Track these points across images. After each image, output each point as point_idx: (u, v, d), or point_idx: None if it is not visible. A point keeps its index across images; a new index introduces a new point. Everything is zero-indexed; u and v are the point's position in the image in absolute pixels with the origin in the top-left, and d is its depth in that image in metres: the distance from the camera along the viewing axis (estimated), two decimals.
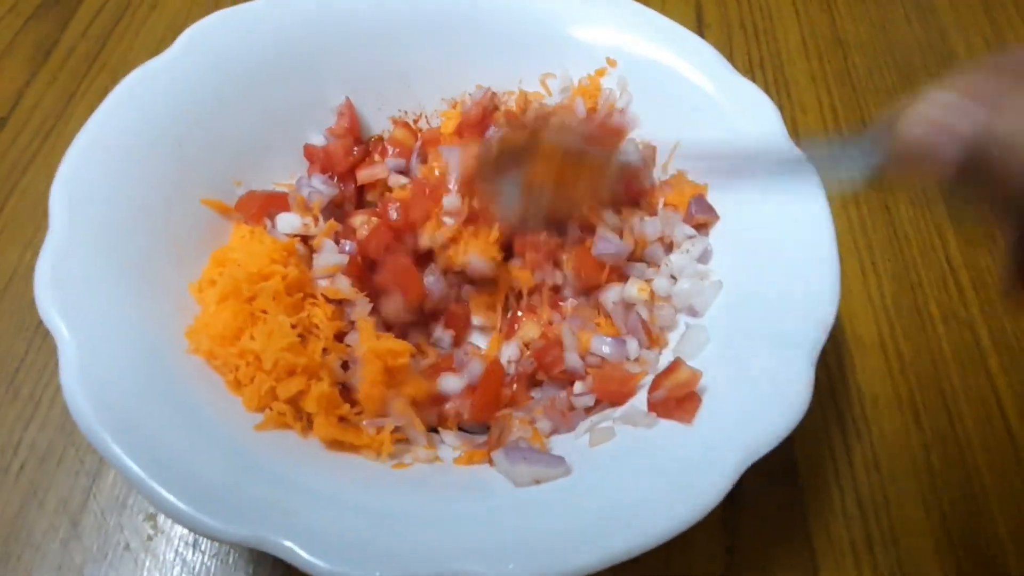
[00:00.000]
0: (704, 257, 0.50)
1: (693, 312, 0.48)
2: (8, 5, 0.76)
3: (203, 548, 0.46)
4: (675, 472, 0.37)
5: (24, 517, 0.47)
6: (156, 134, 0.49)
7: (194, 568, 0.46)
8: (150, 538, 0.47)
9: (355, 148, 0.57)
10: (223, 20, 0.54)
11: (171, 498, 0.34)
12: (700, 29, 0.77)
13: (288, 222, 0.51)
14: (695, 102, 0.54)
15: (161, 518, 0.47)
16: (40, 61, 0.72)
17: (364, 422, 0.43)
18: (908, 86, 0.73)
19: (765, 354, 0.42)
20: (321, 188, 0.54)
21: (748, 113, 0.52)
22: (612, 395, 0.46)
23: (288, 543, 0.33)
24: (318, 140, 0.57)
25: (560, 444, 0.44)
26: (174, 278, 0.45)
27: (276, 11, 0.56)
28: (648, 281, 0.51)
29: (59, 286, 0.40)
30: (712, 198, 0.52)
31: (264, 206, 0.51)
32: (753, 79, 0.72)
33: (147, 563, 0.46)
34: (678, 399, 0.41)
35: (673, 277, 0.50)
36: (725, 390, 0.41)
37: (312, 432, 0.42)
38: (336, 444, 0.42)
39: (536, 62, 0.59)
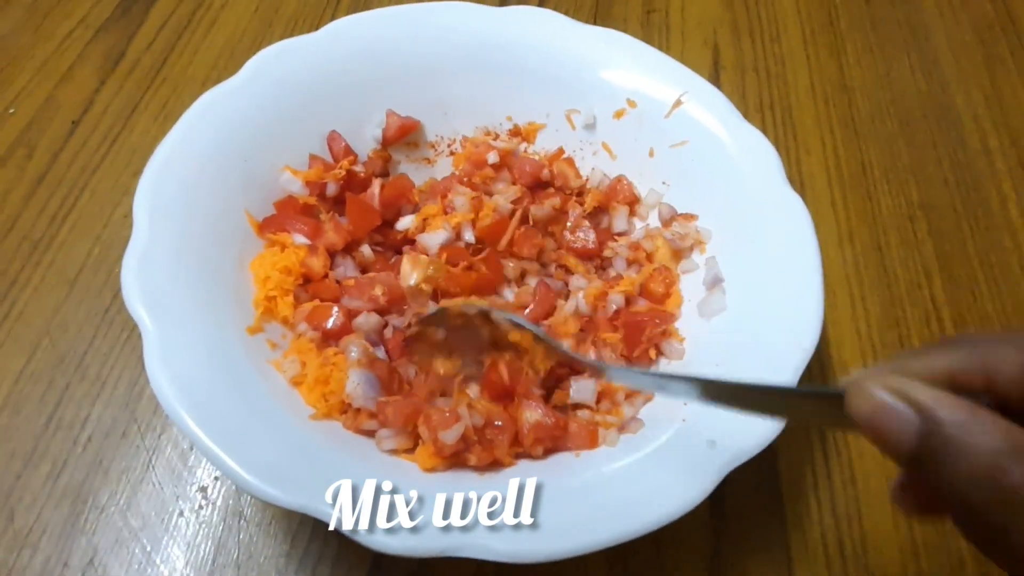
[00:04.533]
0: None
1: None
2: (78, 17, 0.83)
3: (247, 517, 0.52)
4: (666, 473, 0.43)
5: (90, 484, 0.53)
6: (225, 150, 0.55)
7: (239, 535, 0.52)
8: (201, 507, 0.53)
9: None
10: (285, 49, 0.61)
11: (236, 467, 0.40)
12: (716, 71, 0.83)
13: None
14: (704, 143, 0.59)
15: (211, 490, 0.53)
16: (108, 70, 0.78)
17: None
18: (907, 131, 0.79)
19: (753, 373, 0.47)
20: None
21: (752, 156, 0.58)
22: None
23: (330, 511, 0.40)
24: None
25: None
26: (240, 277, 0.51)
27: (331, 42, 0.62)
28: None
29: (143, 282, 0.46)
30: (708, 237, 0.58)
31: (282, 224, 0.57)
32: (763, 120, 0.80)
33: (198, 530, 0.52)
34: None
35: None
36: None
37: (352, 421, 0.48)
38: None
39: (564, 98, 0.65)
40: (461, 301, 0.53)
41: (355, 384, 0.47)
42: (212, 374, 0.44)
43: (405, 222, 0.60)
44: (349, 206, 0.59)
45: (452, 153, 0.67)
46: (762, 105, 0.81)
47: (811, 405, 0.34)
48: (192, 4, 0.85)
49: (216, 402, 0.43)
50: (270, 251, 0.55)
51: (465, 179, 0.63)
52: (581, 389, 0.51)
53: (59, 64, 0.78)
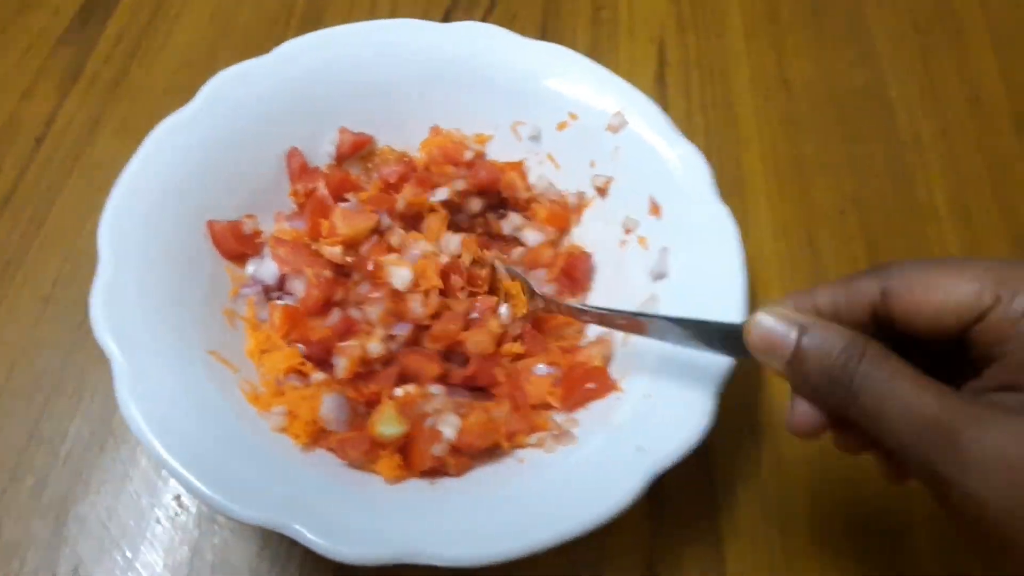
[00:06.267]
0: None
1: None
2: (36, 31, 0.84)
3: (220, 522, 0.56)
4: (596, 476, 0.48)
5: (72, 496, 0.57)
6: (185, 178, 0.58)
7: (213, 539, 0.56)
8: (176, 514, 0.57)
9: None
10: (239, 73, 0.63)
11: (206, 490, 0.44)
12: (661, 68, 0.86)
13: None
14: (641, 154, 0.63)
15: (185, 498, 0.57)
16: (68, 85, 0.80)
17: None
18: (842, 125, 0.83)
19: (682, 383, 0.51)
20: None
21: (685, 168, 0.61)
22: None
23: (297, 526, 0.44)
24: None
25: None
26: (206, 303, 0.55)
27: (284, 64, 0.64)
28: None
29: (110, 314, 0.49)
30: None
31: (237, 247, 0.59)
32: (706, 116, 0.83)
33: (175, 536, 0.56)
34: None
35: None
36: (647, 410, 0.51)
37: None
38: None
39: (510, 110, 0.68)
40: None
41: (328, 408, 0.51)
42: (177, 399, 0.47)
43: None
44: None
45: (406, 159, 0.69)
46: (704, 103, 0.84)
47: (723, 337, 0.45)
48: (148, 14, 0.86)
49: (183, 426, 0.47)
50: (262, 339, 0.56)
51: (427, 168, 0.66)
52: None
53: (19, 80, 0.80)
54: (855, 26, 0.91)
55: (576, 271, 0.62)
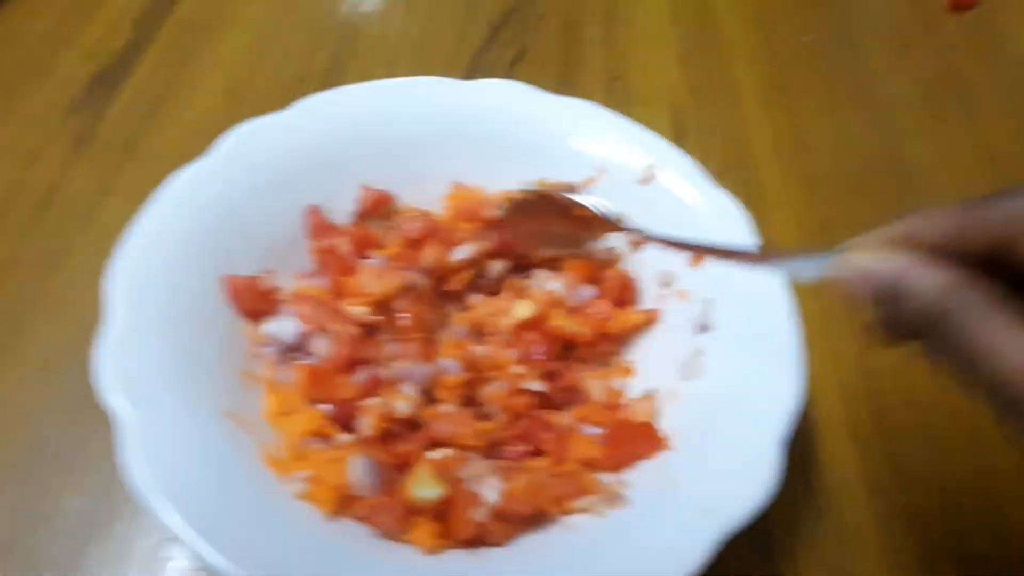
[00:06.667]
0: None
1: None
2: (45, 99, 0.83)
3: None
4: (656, 541, 0.43)
5: None
6: (200, 231, 0.55)
7: None
8: None
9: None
10: (257, 128, 0.61)
11: (224, 562, 0.39)
12: (680, 135, 0.85)
13: None
14: (675, 208, 0.61)
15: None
16: (77, 151, 0.78)
17: None
18: (864, 186, 0.82)
19: (741, 438, 0.47)
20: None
21: (722, 219, 0.59)
22: None
23: None
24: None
25: None
26: (221, 363, 0.50)
27: (303, 119, 0.63)
28: None
29: (117, 369, 0.45)
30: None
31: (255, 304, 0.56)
32: (732, 179, 0.81)
33: None
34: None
35: None
36: (705, 468, 0.47)
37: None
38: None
39: (535, 166, 0.66)
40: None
41: (357, 471, 0.46)
42: (190, 462, 0.43)
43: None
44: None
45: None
46: (728, 166, 0.83)
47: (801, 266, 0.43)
48: (161, 85, 0.85)
49: (197, 491, 0.42)
50: (282, 401, 0.52)
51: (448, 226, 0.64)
52: None
53: (25, 146, 0.78)
54: (865, 92, 0.92)
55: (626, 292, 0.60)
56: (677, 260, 0.59)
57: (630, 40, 0.97)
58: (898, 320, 0.36)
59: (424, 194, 0.67)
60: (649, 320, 0.59)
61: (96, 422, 0.58)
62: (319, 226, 0.62)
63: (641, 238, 0.58)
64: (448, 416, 0.52)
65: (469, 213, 0.65)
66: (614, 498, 0.47)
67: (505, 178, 0.67)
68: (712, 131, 0.87)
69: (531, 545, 0.46)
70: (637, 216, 0.62)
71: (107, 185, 0.76)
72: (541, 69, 0.91)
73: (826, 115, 0.89)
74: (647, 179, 0.62)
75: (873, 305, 0.37)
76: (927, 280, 0.34)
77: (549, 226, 0.61)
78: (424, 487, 0.44)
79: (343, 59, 0.91)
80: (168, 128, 0.81)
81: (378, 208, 0.65)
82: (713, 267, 0.58)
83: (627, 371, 0.58)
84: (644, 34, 0.97)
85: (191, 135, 0.80)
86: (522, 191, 0.62)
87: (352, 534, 0.45)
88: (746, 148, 0.85)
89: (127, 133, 0.80)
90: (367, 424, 0.49)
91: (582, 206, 0.60)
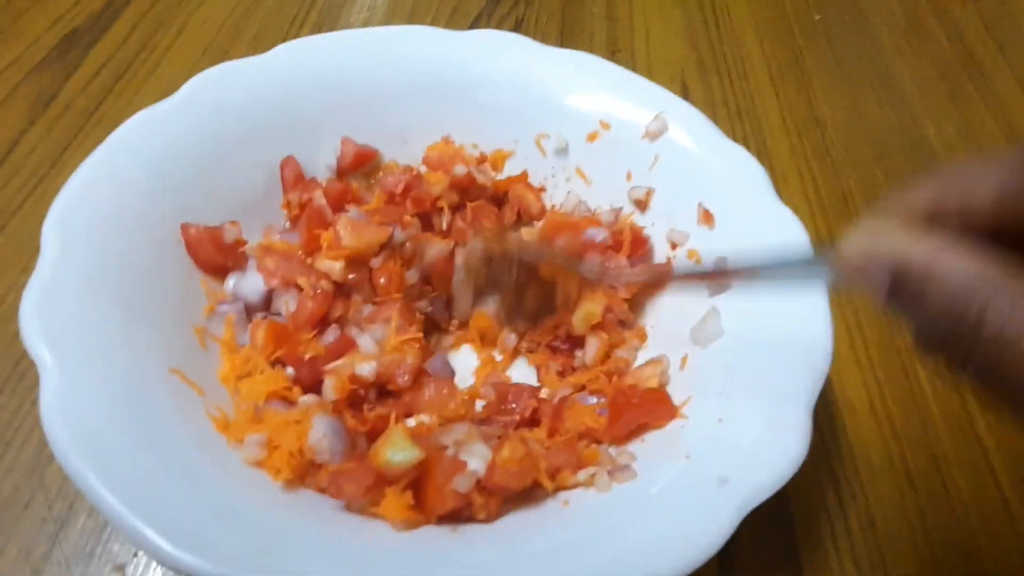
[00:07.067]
0: None
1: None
2: (9, 59, 0.77)
3: None
4: (673, 518, 0.36)
5: None
6: (154, 176, 0.49)
7: None
8: None
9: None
10: (227, 71, 0.56)
11: (150, 534, 0.32)
12: None
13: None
14: (684, 162, 0.55)
15: (130, 569, 0.45)
16: (38, 112, 0.72)
17: None
18: (883, 161, 0.76)
19: (763, 403, 0.41)
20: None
21: (737, 172, 0.53)
22: None
23: None
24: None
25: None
26: (173, 317, 0.44)
27: (279, 65, 0.57)
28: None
29: (45, 315, 0.39)
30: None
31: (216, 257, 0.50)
32: None
33: None
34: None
35: None
36: (723, 436, 0.41)
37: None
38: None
39: (532, 123, 0.60)
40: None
41: (320, 433, 0.40)
42: (120, 422, 0.36)
43: None
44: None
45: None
46: (735, 138, 0.77)
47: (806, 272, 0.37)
48: (135, 47, 0.80)
49: (126, 455, 0.35)
50: (240, 362, 0.46)
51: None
52: None
53: None
54: (879, 71, 0.87)
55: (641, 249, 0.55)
56: (688, 218, 0.54)
57: (634, 13, 0.92)
58: (924, 321, 0.29)
59: (411, 152, 0.61)
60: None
61: (28, 393, 0.53)
62: (294, 179, 0.56)
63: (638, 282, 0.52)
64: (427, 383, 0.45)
65: (441, 164, 0.59)
66: (619, 470, 0.40)
67: (499, 136, 0.61)
68: (719, 104, 0.81)
69: (522, 523, 0.39)
70: (644, 173, 0.57)
71: (68, 146, 0.70)
72: (539, 40, 0.86)
73: (839, 92, 0.84)
74: (655, 134, 0.56)
75: (891, 302, 0.29)
76: (954, 275, 0.27)
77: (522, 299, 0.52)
78: (397, 450, 0.38)
79: (332, 24, 0.86)
80: (138, 91, 0.76)
81: (360, 164, 0.59)
82: (728, 225, 0.52)
83: (642, 336, 0.52)
84: (648, 7, 0.93)
85: (164, 96, 0.75)
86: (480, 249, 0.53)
87: (312, 506, 0.38)
88: (755, 121, 0.80)
89: (94, 95, 0.75)
90: (332, 387, 0.43)
91: (552, 258, 0.51)
